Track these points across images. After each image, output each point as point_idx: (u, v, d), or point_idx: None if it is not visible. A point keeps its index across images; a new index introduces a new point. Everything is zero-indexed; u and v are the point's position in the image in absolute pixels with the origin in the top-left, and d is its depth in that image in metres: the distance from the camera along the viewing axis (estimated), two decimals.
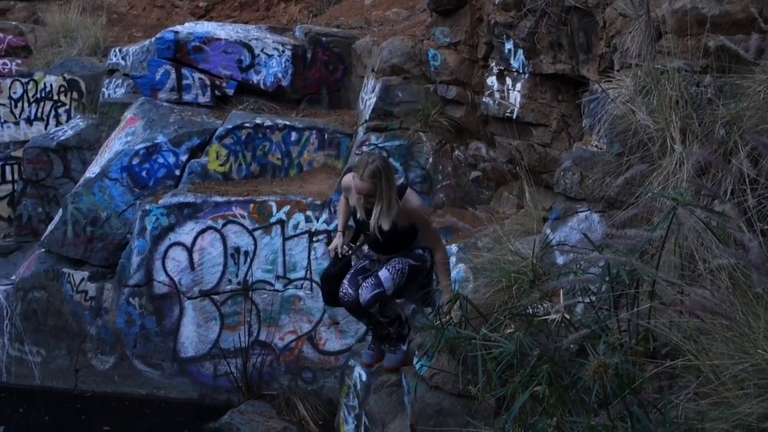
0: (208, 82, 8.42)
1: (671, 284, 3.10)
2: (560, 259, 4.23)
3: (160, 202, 7.44)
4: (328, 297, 5.18)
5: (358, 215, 4.86)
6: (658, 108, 3.89)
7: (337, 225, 5.55)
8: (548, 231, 4.47)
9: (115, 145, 8.08)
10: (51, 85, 9.70)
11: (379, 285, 4.79)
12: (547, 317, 3.41)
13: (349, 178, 4.91)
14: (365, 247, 5.09)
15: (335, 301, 5.07)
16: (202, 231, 7.38)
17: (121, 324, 7.50)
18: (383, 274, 4.83)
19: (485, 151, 7.34)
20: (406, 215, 4.79)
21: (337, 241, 5.12)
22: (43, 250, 7.98)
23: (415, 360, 4.68)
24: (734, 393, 2.67)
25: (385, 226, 4.67)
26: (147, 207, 7.43)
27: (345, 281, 4.97)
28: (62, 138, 8.84)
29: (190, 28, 8.72)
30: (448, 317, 4.19)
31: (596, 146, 4.50)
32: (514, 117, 6.31)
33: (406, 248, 4.97)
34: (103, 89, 9.43)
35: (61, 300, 7.68)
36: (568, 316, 3.35)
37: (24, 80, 9.75)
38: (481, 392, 3.63)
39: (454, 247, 6.24)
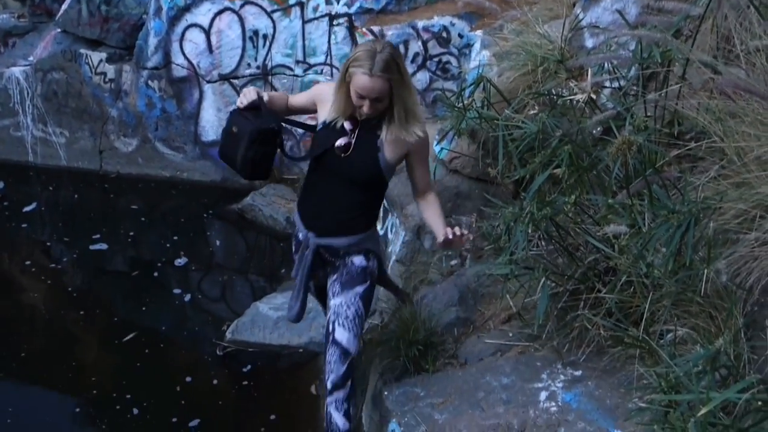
0: None
1: (704, 64, 2.99)
2: (590, 42, 4.07)
3: None
4: (261, 166, 3.37)
5: (341, 124, 3.27)
6: None
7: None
8: (579, 11, 4.27)
9: None
10: None
11: (344, 354, 3.40)
12: (572, 98, 3.33)
13: (323, 87, 3.46)
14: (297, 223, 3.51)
15: (267, 173, 3.46)
16: (220, 12, 7.14)
17: (142, 107, 7.51)
18: (339, 335, 3.38)
19: None
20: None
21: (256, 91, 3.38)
22: (59, 30, 7.82)
23: (435, 144, 4.67)
24: (756, 174, 2.65)
25: (411, 137, 3.19)
26: None
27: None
28: None
29: None
30: (470, 100, 4.12)
31: None
32: None
33: (362, 225, 3.41)
34: None
35: (80, 81, 7.65)
36: (594, 97, 3.27)
37: None
38: (500, 174, 3.64)
39: (478, 33, 6.03)
